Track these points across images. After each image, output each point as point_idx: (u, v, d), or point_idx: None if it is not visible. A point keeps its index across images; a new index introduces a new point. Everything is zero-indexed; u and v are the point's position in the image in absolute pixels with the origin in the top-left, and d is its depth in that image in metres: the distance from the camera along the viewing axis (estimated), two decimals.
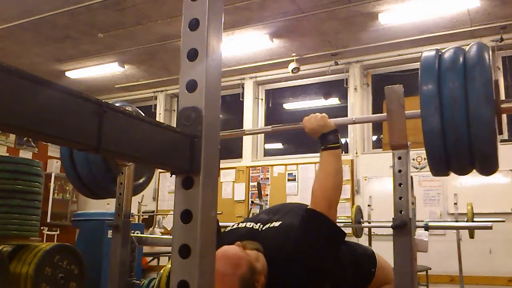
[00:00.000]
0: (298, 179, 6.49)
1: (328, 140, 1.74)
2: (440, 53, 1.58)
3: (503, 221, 3.96)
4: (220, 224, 1.97)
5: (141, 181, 2.45)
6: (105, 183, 2.23)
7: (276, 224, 1.69)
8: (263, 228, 1.70)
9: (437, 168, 1.62)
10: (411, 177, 1.74)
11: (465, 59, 1.49)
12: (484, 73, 1.44)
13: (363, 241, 4.56)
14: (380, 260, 1.90)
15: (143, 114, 0.90)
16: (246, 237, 1.63)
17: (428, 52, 1.59)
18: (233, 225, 1.84)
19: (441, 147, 1.50)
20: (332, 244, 1.61)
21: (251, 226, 1.74)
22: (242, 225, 1.80)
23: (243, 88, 7.17)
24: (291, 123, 1.97)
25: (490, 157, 1.49)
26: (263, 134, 7.14)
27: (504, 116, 5.83)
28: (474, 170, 1.65)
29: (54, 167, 7.86)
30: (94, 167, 2.17)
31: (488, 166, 1.55)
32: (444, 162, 1.56)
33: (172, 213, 0.70)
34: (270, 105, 7.33)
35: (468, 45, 1.58)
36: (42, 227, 6.52)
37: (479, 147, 1.46)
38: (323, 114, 1.81)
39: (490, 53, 1.52)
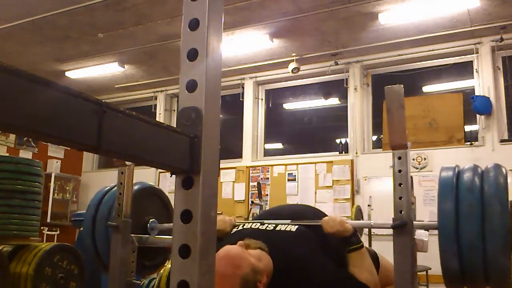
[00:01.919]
0: (298, 179, 6.48)
1: (351, 243, 1.78)
2: (457, 173, 1.61)
3: None
4: None
5: (157, 260, 2.45)
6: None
7: (293, 228, 1.70)
8: (276, 229, 1.70)
9: (452, 286, 1.67)
10: (411, 177, 1.74)
11: (483, 201, 1.51)
12: (501, 226, 1.46)
13: (363, 241, 4.55)
14: (383, 261, 1.91)
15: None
16: (252, 237, 1.64)
17: (446, 171, 1.61)
18: (239, 226, 1.84)
19: (458, 273, 1.55)
20: None
21: (256, 226, 1.75)
22: (248, 225, 1.80)
23: (243, 88, 7.17)
24: (311, 220, 1.98)
25: (504, 284, 1.55)
26: (263, 134, 7.14)
27: (504, 115, 5.74)
28: None
29: (54, 167, 7.86)
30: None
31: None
32: (460, 283, 1.61)
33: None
34: (270, 105, 7.33)
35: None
36: (42, 227, 6.52)
37: (494, 282, 1.53)
38: (341, 218, 1.85)
39: (506, 179, 1.55)
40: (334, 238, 1.79)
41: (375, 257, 1.91)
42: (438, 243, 1.56)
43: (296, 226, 1.69)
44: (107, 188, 2.37)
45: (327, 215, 1.91)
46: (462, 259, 1.50)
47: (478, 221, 1.47)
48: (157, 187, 2.59)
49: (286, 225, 1.71)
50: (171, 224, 2.37)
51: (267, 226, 1.72)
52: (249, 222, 1.85)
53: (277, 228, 1.70)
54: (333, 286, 1.57)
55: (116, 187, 2.28)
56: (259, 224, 1.76)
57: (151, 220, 2.28)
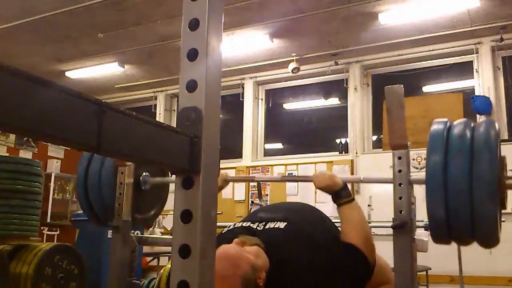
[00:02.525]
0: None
1: (341, 197, 1.77)
2: (448, 127, 1.60)
3: (503, 221, 3.96)
4: (220, 224, 1.97)
5: (151, 213, 2.47)
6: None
7: (282, 225, 1.69)
8: (265, 227, 1.70)
9: (439, 239, 1.64)
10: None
11: (472, 149, 1.50)
12: (490, 173, 1.44)
13: None
14: (379, 260, 1.90)
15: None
16: (244, 234, 1.64)
17: (436, 125, 1.60)
18: (230, 226, 1.84)
19: (445, 228, 1.53)
20: (358, 283, 1.63)
21: (248, 225, 1.75)
22: (238, 225, 1.80)
23: (243, 88, 7.17)
24: (302, 176, 1.99)
25: (491, 238, 1.52)
26: (263, 134, 7.14)
27: (504, 115, 5.72)
28: None
29: (54, 167, 7.86)
30: (106, 194, 2.19)
31: (490, 243, 1.59)
32: (446, 235, 1.58)
33: (172, 213, 0.71)
34: (270, 105, 7.32)
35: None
36: (42, 227, 6.51)
37: (481, 230, 1.49)
38: (331, 173, 1.85)
39: (497, 132, 1.52)
40: (323, 223, 1.77)
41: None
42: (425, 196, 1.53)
43: (285, 223, 1.69)
44: None
45: (324, 214, 1.91)
46: (448, 210, 1.48)
47: (466, 168, 1.44)
48: None
49: (275, 222, 1.71)
50: (163, 178, 2.37)
51: (257, 225, 1.72)
52: (240, 222, 1.85)
53: (267, 227, 1.70)
54: (325, 272, 1.56)
55: None
56: (250, 223, 1.76)
57: (144, 173, 2.29)
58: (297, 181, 2.14)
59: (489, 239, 1.52)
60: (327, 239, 1.69)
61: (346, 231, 1.69)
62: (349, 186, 5.85)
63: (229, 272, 1.42)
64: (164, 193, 2.56)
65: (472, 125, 1.56)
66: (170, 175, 2.32)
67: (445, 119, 1.61)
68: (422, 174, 1.56)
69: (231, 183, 6.73)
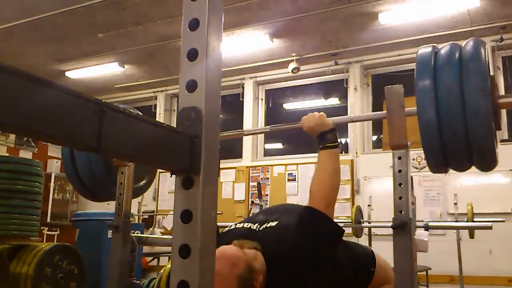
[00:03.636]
0: (298, 179, 6.49)
1: (326, 139, 1.75)
2: (436, 49, 1.58)
3: (503, 221, 3.96)
4: (220, 224, 1.97)
5: (141, 183, 2.45)
6: (105, 184, 2.23)
7: (273, 224, 1.69)
8: (261, 228, 1.70)
9: (435, 165, 1.62)
10: (411, 177, 1.74)
11: (461, 53, 1.48)
12: (479, 66, 1.42)
13: (363, 241, 4.56)
14: (380, 260, 1.90)
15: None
16: (244, 237, 1.64)
17: (424, 48, 1.59)
18: (231, 226, 1.84)
19: (438, 143, 1.49)
20: (330, 241, 1.61)
21: (248, 226, 1.75)
22: (239, 225, 1.80)
23: (243, 88, 7.17)
24: (290, 122, 1.98)
25: (488, 151, 1.48)
26: (263, 134, 7.13)
27: (504, 115, 5.78)
28: (475, 169, 1.64)
29: (54, 167, 7.86)
30: (94, 167, 2.18)
31: (487, 161, 1.54)
32: (441, 158, 1.55)
33: (172, 213, 0.71)
34: (270, 105, 7.33)
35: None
36: (42, 227, 6.52)
37: (477, 141, 1.45)
38: (322, 113, 1.82)
39: (487, 48, 1.51)
40: (316, 216, 1.75)
41: (372, 256, 1.90)
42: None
43: (276, 222, 1.68)
44: None
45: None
46: (443, 135, 1.45)
47: (456, 85, 1.42)
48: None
49: (269, 223, 1.71)
50: None
51: (257, 226, 1.72)
52: (239, 223, 1.85)
53: (262, 227, 1.70)
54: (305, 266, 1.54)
55: None
56: (250, 223, 1.76)
57: None
58: (285, 129, 2.12)
59: (486, 154, 1.48)
60: (297, 221, 1.66)
61: (313, 179, 1.68)
62: (349, 186, 5.79)
63: (226, 271, 1.42)
64: None
65: (459, 45, 1.55)
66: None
67: (432, 44, 1.61)
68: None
69: (230, 183, 6.77)
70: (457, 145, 1.47)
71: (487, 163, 1.54)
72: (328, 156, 1.73)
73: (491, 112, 1.40)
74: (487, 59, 1.46)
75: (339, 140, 1.82)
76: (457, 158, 1.54)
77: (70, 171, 2.25)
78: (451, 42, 1.60)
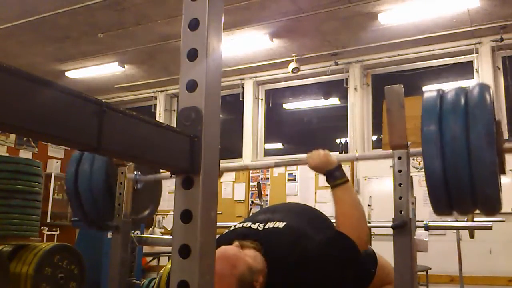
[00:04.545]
0: (298, 179, 6.48)
1: (335, 177, 1.75)
2: (442, 92, 1.57)
3: (503, 221, 3.96)
4: (220, 224, 1.96)
5: (145, 213, 2.45)
6: (106, 214, 2.22)
7: (280, 224, 1.68)
8: (264, 228, 1.69)
9: (440, 210, 1.61)
10: (411, 177, 1.74)
11: (467, 100, 1.48)
12: (485, 114, 1.42)
13: None
14: (381, 260, 1.90)
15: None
16: (245, 237, 1.63)
17: (429, 93, 1.58)
18: (231, 227, 1.84)
19: (444, 190, 1.49)
20: (349, 270, 1.61)
21: (248, 226, 1.74)
22: (239, 225, 1.80)
23: (243, 88, 7.17)
24: (294, 159, 1.98)
25: (493, 199, 1.48)
26: (263, 134, 7.14)
27: (504, 115, 5.75)
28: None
29: (54, 167, 7.86)
30: (100, 204, 2.17)
31: (491, 207, 1.54)
32: (446, 204, 1.55)
33: (172, 213, 0.70)
34: (270, 105, 7.32)
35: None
36: (42, 227, 6.51)
37: (482, 189, 1.45)
38: (326, 151, 1.83)
39: (492, 93, 1.50)
40: (322, 221, 1.75)
41: (373, 256, 1.90)
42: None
43: (284, 223, 1.68)
44: None
45: (324, 215, 1.90)
46: (447, 174, 1.45)
47: (462, 132, 1.42)
48: None
49: (275, 222, 1.70)
50: (156, 175, 2.36)
51: (258, 226, 1.72)
52: (241, 223, 1.85)
53: (266, 227, 1.69)
54: (317, 267, 1.55)
55: None
56: (250, 223, 1.76)
57: (135, 172, 2.27)
58: (290, 164, 2.14)
59: (490, 201, 1.47)
60: (322, 237, 1.68)
61: (338, 214, 1.67)
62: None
63: (226, 271, 1.42)
64: (158, 191, 2.52)
65: (465, 89, 1.55)
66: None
67: (437, 88, 1.62)
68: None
69: (230, 183, 6.77)
70: (462, 192, 1.48)
71: (492, 208, 1.54)
72: (342, 192, 1.72)
73: (496, 162, 1.42)
74: (492, 105, 1.46)
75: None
76: (462, 204, 1.55)
77: (74, 201, 2.25)
78: (457, 87, 1.59)
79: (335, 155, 1.83)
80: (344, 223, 1.63)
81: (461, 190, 1.46)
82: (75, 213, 2.32)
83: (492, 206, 1.50)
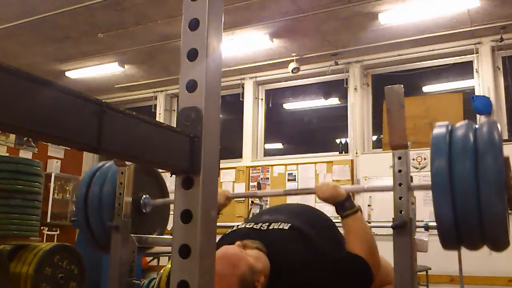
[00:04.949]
0: (298, 179, 6.48)
1: (345, 208, 1.75)
2: (451, 127, 1.58)
3: None
4: (220, 224, 1.96)
5: (154, 235, 2.44)
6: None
7: (286, 226, 1.68)
8: (269, 228, 1.70)
9: (449, 247, 1.65)
10: (411, 177, 1.74)
11: (476, 141, 1.49)
12: (495, 160, 1.43)
13: None
14: (382, 260, 1.90)
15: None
16: (247, 237, 1.63)
17: (438, 129, 1.58)
18: (234, 227, 1.84)
19: (453, 232, 1.51)
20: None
21: (251, 226, 1.74)
22: (242, 226, 1.80)
23: (243, 88, 7.17)
24: (304, 188, 1.99)
25: (502, 240, 1.51)
26: (263, 134, 7.14)
27: (504, 115, 5.74)
28: None
29: (54, 167, 7.85)
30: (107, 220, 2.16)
31: (500, 246, 1.57)
32: (455, 242, 1.58)
33: (172, 213, 0.70)
34: (270, 105, 7.32)
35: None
36: (42, 227, 6.51)
37: (491, 232, 1.48)
38: (334, 183, 1.83)
39: (500, 131, 1.52)
40: (328, 226, 1.77)
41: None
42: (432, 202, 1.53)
43: (289, 224, 1.68)
44: (97, 166, 2.34)
45: (326, 215, 1.91)
46: (456, 212, 1.47)
47: (472, 172, 1.44)
48: None
49: (279, 223, 1.70)
50: (164, 199, 2.35)
51: (261, 226, 1.72)
52: (243, 223, 1.85)
53: (271, 227, 1.70)
54: (328, 276, 1.56)
55: (106, 165, 2.27)
56: (253, 223, 1.76)
57: (144, 196, 2.26)
58: (299, 194, 2.13)
59: (499, 241, 1.51)
60: (331, 243, 1.69)
61: (351, 242, 1.67)
62: (349, 184, 5.80)
63: (227, 271, 1.42)
64: (166, 214, 2.52)
65: (474, 126, 1.55)
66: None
67: (446, 122, 1.61)
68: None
69: (230, 183, 6.77)
70: (472, 234, 1.51)
71: (501, 247, 1.57)
72: (353, 222, 1.73)
73: (506, 206, 1.44)
74: (501, 145, 1.48)
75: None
76: (471, 242, 1.58)
77: (83, 222, 2.24)
78: (465, 122, 1.59)
79: (343, 186, 1.84)
80: (355, 249, 1.64)
81: (470, 232, 1.50)
82: (86, 238, 2.31)
83: (501, 245, 1.54)
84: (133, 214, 2.17)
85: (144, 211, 2.25)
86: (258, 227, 1.71)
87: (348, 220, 1.73)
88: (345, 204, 1.75)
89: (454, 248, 1.64)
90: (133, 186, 2.15)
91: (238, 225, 1.83)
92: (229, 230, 1.81)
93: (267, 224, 1.72)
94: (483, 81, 5.68)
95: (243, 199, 6.67)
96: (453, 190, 1.46)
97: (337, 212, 1.77)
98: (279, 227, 1.68)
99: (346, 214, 1.73)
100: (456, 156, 1.48)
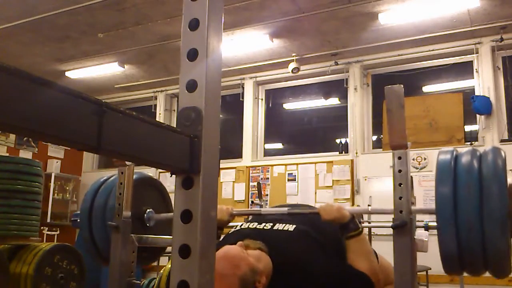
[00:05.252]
0: (298, 179, 6.48)
1: (349, 229, 1.75)
2: (456, 153, 1.60)
3: None
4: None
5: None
6: None
7: (291, 227, 1.68)
8: (273, 228, 1.70)
9: (451, 271, 1.65)
10: (411, 177, 1.74)
11: (481, 171, 1.50)
12: (499, 187, 1.45)
13: None
14: (382, 260, 1.90)
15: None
16: (250, 237, 1.64)
17: (443, 155, 1.60)
18: (236, 226, 1.84)
19: (456, 259, 1.54)
20: None
21: (254, 226, 1.75)
22: (245, 225, 1.80)
23: (243, 88, 7.17)
24: (308, 207, 1.99)
25: (504, 270, 1.53)
26: (262, 134, 7.14)
27: (504, 115, 5.73)
28: None
29: (54, 167, 7.86)
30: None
31: (502, 274, 1.58)
32: (458, 268, 1.59)
33: (172, 213, 0.70)
34: (270, 105, 7.33)
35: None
36: (42, 227, 6.51)
37: (494, 262, 1.50)
38: (339, 205, 1.83)
39: (504, 157, 1.53)
40: (332, 231, 1.78)
41: (374, 256, 1.90)
42: (436, 231, 1.55)
43: (294, 225, 1.69)
44: (103, 178, 2.34)
45: (336, 227, 1.91)
46: (460, 242, 1.48)
47: (476, 203, 1.45)
48: (156, 178, 2.56)
49: (284, 224, 1.70)
50: (168, 214, 2.35)
51: (264, 226, 1.72)
52: (247, 222, 1.85)
53: (275, 228, 1.69)
54: (331, 282, 1.57)
55: (111, 178, 2.27)
56: (256, 223, 1.76)
57: (148, 210, 2.26)
58: (303, 213, 2.13)
59: (502, 271, 1.54)
60: (336, 253, 1.70)
61: (354, 260, 1.68)
62: (349, 186, 5.80)
63: (228, 272, 1.42)
64: (169, 228, 2.52)
65: (478, 154, 1.57)
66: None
67: (451, 148, 1.63)
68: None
69: (230, 183, 6.77)
70: (475, 262, 1.53)
71: (502, 275, 1.59)
72: (356, 242, 1.73)
73: (509, 237, 1.46)
74: (505, 174, 1.50)
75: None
76: (474, 269, 1.59)
77: (88, 238, 2.24)
78: (470, 150, 1.61)
79: (348, 208, 1.85)
80: (359, 267, 1.66)
81: (473, 262, 1.52)
82: (89, 251, 2.30)
83: (503, 274, 1.56)
84: (137, 228, 2.16)
85: (148, 225, 2.26)
86: (261, 227, 1.71)
87: (352, 242, 1.73)
88: (349, 226, 1.75)
89: (456, 274, 1.67)
90: (136, 199, 2.15)
91: (242, 225, 1.83)
92: (232, 230, 1.81)
93: (271, 224, 1.72)
94: (483, 81, 5.68)
95: (243, 199, 6.67)
96: (457, 223, 1.49)
97: (341, 233, 1.77)
98: (284, 228, 1.68)
99: (350, 236, 1.74)
100: (460, 188, 1.50)
